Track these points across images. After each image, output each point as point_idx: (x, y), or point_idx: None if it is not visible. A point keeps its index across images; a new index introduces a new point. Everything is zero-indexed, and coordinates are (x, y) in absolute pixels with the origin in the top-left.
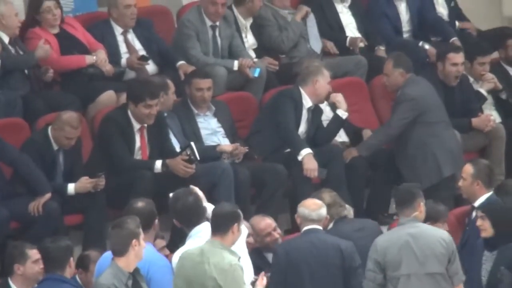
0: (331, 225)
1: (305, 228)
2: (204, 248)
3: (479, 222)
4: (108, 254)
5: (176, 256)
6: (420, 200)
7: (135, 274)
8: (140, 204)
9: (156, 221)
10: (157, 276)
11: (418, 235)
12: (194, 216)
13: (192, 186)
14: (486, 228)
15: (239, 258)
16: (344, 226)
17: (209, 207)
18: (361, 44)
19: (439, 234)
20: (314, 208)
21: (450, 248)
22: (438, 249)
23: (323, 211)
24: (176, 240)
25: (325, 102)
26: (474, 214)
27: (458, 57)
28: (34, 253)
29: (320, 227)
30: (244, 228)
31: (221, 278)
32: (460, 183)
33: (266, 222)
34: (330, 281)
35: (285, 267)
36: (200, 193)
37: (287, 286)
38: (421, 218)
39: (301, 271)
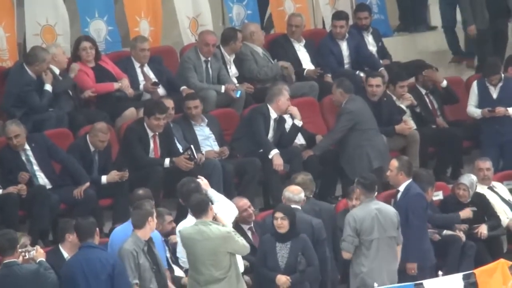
0: None
1: None
2: (200, 228)
3: (279, 222)
4: (119, 227)
5: (180, 226)
6: (377, 186)
7: (149, 242)
8: (141, 191)
9: (153, 203)
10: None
11: (381, 209)
12: None
13: (200, 177)
14: (285, 226)
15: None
16: (305, 206)
17: (211, 192)
18: (317, 74)
19: (392, 209)
20: (296, 192)
21: (398, 218)
22: (393, 220)
23: (303, 195)
24: (180, 216)
25: (288, 115)
26: (398, 196)
27: (373, 81)
28: None
29: (299, 207)
30: None
31: (224, 244)
32: (388, 173)
33: (243, 202)
34: None
35: None
36: (205, 181)
37: None
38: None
39: None
